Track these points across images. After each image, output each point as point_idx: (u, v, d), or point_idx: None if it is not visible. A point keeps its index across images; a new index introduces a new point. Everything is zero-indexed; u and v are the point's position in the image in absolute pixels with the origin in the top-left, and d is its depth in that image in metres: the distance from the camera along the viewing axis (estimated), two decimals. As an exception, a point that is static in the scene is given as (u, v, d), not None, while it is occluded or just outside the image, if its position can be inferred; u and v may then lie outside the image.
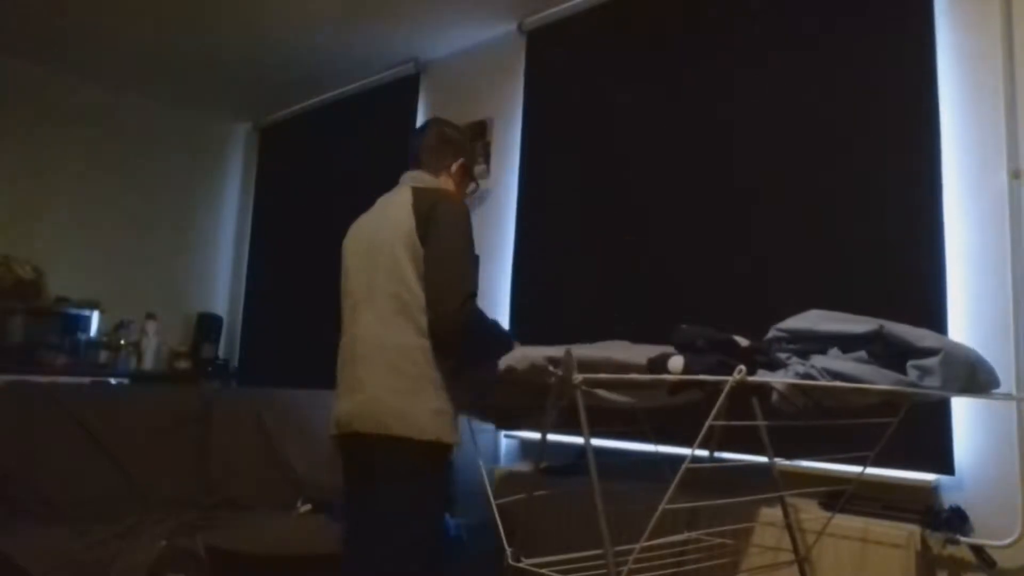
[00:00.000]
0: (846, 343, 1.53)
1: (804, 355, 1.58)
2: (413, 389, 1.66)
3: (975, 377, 1.49)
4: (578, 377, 1.56)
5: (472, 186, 2.04)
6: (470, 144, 2.03)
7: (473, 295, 1.66)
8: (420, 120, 3.65)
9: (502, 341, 1.73)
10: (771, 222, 2.32)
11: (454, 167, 1.92)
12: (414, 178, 1.87)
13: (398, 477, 1.68)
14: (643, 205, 2.67)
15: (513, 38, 3.25)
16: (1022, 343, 1.85)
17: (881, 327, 1.49)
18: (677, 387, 1.64)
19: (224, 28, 3.44)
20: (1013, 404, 1.83)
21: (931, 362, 1.40)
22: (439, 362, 1.70)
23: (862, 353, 1.50)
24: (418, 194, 1.76)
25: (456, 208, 1.74)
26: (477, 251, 3.20)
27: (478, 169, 2.08)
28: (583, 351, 1.54)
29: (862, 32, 2.20)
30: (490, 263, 3.18)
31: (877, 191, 2.11)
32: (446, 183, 1.90)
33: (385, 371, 1.69)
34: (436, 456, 1.69)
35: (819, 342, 1.59)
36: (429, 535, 1.68)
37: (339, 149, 4.06)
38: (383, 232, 1.76)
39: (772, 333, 1.70)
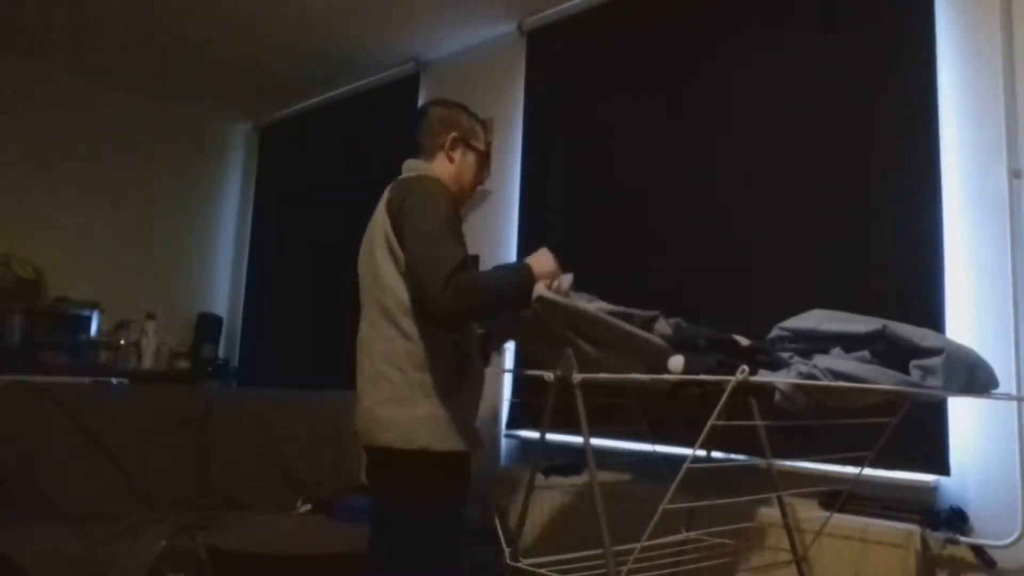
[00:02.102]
0: (849, 343, 1.54)
1: (806, 354, 1.58)
2: (400, 396, 1.57)
3: (975, 377, 1.50)
4: (577, 377, 1.56)
5: (475, 164, 1.83)
6: (467, 116, 1.85)
7: (457, 268, 1.49)
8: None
9: (509, 284, 1.58)
10: (771, 222, 2.32)
11: (447, 143, 1.78)
12: (406, 168, 1.79)
13: (394, 491, 1.60)
14: (643, 204, 2.67)
15: (513, 38, 3.25)
16: (1022, 343, 1.85)
17: (884, 327, 1.49)
18: (678, 386, 1.64)
19: (224, 28, 3.44)
20: (1013, 404, 1.83)
21: (934, 362, 1.40)
22: (433, 364, 1.58)
23: (864, 353, 1.50)
24: (394, 188, 1.68)
25: (423, 189, 1.62)
26: (478, 250, 3.20)
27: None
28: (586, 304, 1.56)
29: (862, 32, 2.20)
30: (492, 263, 3.18)
31: (877, 191, 2.11)
32: (442, 166, 1.77)
33: (372, 380, 1.61)
34: (432, 467, 1.56)
35: (821, 341, 1.59)
36: (433, 561, 1.56)
37: (339, 149, 4.06)
38: (370, 233, 1.71)
39: (775, 332, 1.70)
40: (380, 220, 1.65)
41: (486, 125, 1.91)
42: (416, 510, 1.58)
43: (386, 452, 1.57)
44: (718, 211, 2.46)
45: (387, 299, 1.60)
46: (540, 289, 1.58)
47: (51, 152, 3.97)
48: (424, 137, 1.79)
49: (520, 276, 1.60)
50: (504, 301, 1.58)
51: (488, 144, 1.88)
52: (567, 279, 1.69)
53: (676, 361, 1.64)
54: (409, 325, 1.58)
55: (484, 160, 1.86)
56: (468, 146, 1.81)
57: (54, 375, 3.35)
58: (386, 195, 1.68)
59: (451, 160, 1.78)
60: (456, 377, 1.61)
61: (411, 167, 1.78)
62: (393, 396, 1.57)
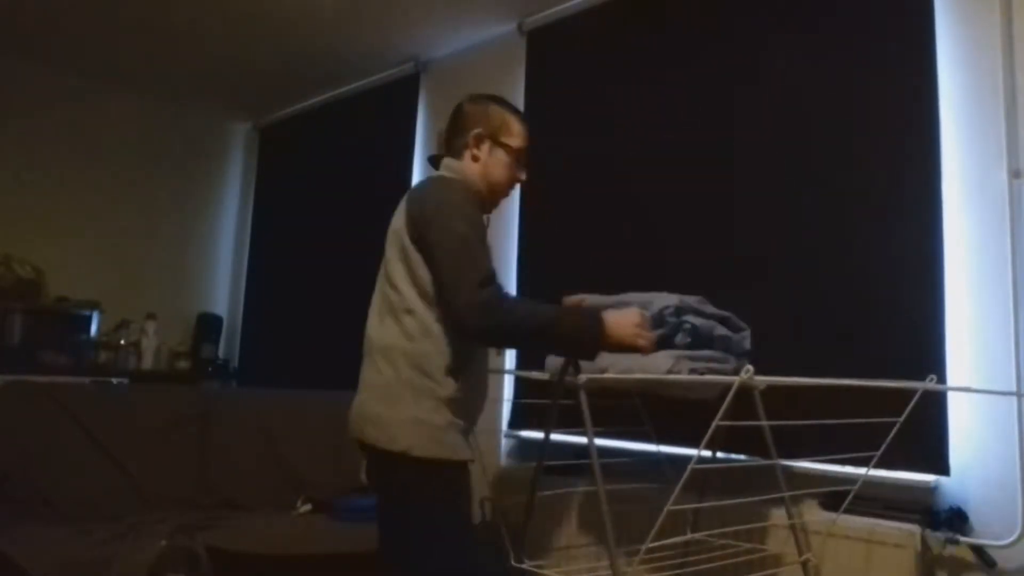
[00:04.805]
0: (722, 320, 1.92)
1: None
2: (390, 394, 1.54)
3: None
4: (582, 378, 1.56)
5: (507, 161, 1.72)
6: (499, 109, 1.74)
7: (488, 278, 1.47)
8: (420, 120, 3.65)
9: (538, 318, 1.51)
10: (770, 221, 2.32)
11: (470, 140, 1.69)
12: (441, 167, 1.72)
13: (387, 491, 1.58)
14: (644, 204, 2.67)
15: (513, 38, 3.25)
16: (1022, 342, 1.85)
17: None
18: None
19: (224, 28, 3.44)
20: (1013, 404, 1.83)
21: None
22: (428, 367, 1.53)
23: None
24: (416, 188, 1.65)
25: (442, 195, 1.58)
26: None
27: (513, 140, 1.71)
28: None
29: (862, 32, 2.20)
30: (494, 263, 3.18)
31: (877, 191, 2.11)
32: (468, 165, 1.69)
33: (369, 373, 1.60)
34: (417, 471, 1.50)
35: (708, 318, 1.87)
36: (448, 562, 1.51)
37: (339, 149, 4.06)
38: (391, 229, 1.67)
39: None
40: (399, 220, 1.63)
41: (518, 116, 1.77)
42: (411, 512, 1.53)
43: (375, 448, 1.54)
44: (718, 211, 2.46)
45: (393, 296, 1.59)
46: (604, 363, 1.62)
47: (51, 152, 3.97)
48: (453, 135, 1.73)
49: (581, 325, 1.53)
50: (541, 338, 1.52)
51: (524, 138, 1.76)
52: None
53: (664, 362, 1.65)
54: (412, 324, 1.55)
55: (517, 156, 1.74)
56: (496, 142, 1.71)
57: (54, 375, 3.34)
58: (409, 193, 1.66)
59: (475, 159, 1.70)
60: (452, 382, 1.55)
61: (444, 166, 1.72)
62: (385, 393, 1.55)
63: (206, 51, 3.70)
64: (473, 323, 1.46)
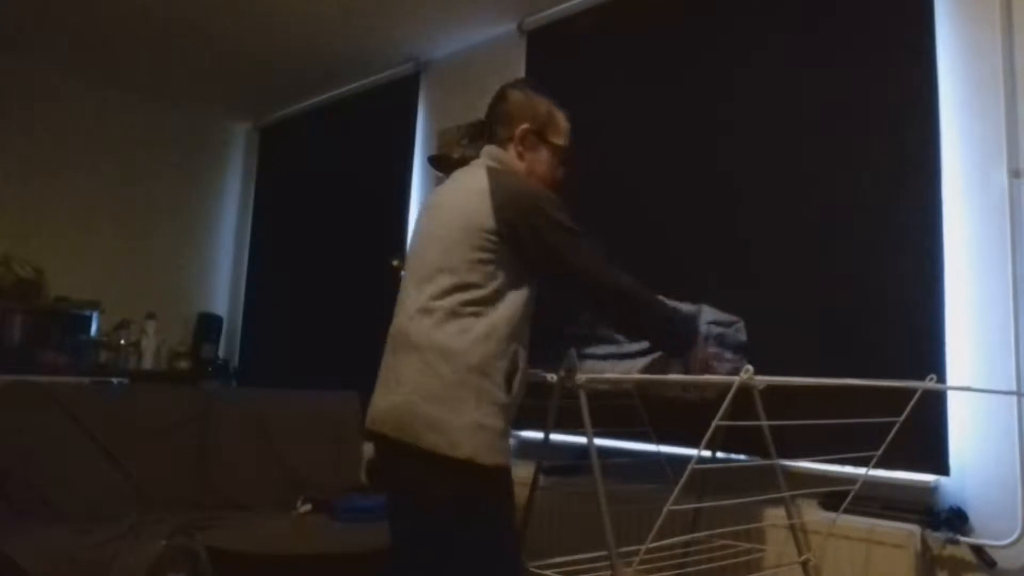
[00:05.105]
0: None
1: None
2: (451, 397, 1.42)
3: None
4: (581, 378, 1.56)
5: (551, 160, 1.67)
6: (546, 104, 1.67)
7: (616, 282, 1.59)
8: (420, 120, 3.65)
9: (665, 308, 1.69)
10: (770, 222, 2.32)
11: (517, 135, 1.63)
12: (487, 155, 1.64)
13: (434, 500, 1.44)
14: (644, 204, 2.67)
15: (513, 38, 3.25)
16: (1022, 342, 1.85)
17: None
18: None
19: (224, 28, 3.44)
20: (1013, 404, 1.83)
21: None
22: (492, 372, 1.45)
23: None
24: (491, 177, 1.53)
25: (537, 191, 1.54)
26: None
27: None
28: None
29: (862, 32, 2.20)
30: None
31: (877, 191, 2.11)
32: (515, 161, 1.63)
33: (415, 372, 1.45)
34: (476, 479, 1.41)
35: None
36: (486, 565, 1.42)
37: (339, 149, 4.06)
38: (446, 215, 1.55)
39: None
40: (470, 205, 1.50)
41: (566, 116, 1.72)
42: (465, 526, 1.43)
43: (433, 454, 1.40)
44: (718, 210, 2.46)
45: (456, 293, 1.47)
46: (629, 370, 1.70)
47: (51, 152, 3.97)
48: (498, 125, 1.66)
49: (677, 324, 1.71)
50: (663, 326, 1.67)
51: (569, 135, 1.70)
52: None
53: (638, 364, 1.68)
54: (476, 324, 1.45)
55: (561, 155, 1.68)
56: (542, 139, 1.66)
57: (54, 375, 3.35)
58: (482, 181, 1.53)
59: (520, 156, 1.64)
60: (509, 386, 1.48)
61: (496, 157, 1.63)
62: (442, 395, 1.42)
63: (206, 51, 3.70)
64: (616, 307, 1.59)
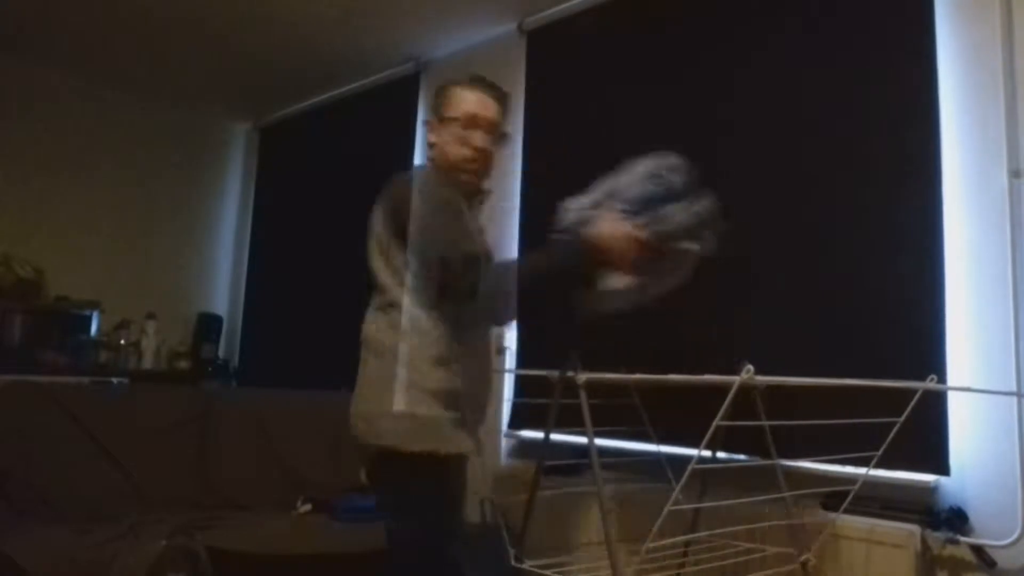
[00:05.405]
0: None
1: None
2: (378, 389, 1.54)
3: None
4: (582, 376, 1.56)
5: (455, 134, 1.68)
6: (439, 88, 1.78)
7: (463, 258, 1.53)
8: (420, 120, 3.65)
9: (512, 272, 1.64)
10: (770, 222, 2.32)
11: (425, 129, 1.78)
12: None
13: (381, 486, 1.61)
14: (643, 205, 2.67)
15: (513, 38, 3.25)
16: (1022, 342, 1.85)
17: None
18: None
19: (224, 28, 3.44)
20: (1013, 404, 1.83)
21: None
22: (416, 361, 1.53)
23: None
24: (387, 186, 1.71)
25: (409, 190, 1.63)
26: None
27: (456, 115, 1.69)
28: None
29: (862, 32, 2.20)
30: (491, 246, 3.18)
31: (877, 191, 2.11)
32: (433, 153, 1.74)
33: (360, 368, 1.60)
34: (401, 465, 1.49)
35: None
36: (410, 550, 1.54)
37: (339, 149, 4.06)
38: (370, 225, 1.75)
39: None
40: (376, 215, 1.68)
41: (464, 84, 1.76)
42: (397, 506, 1.57)
43: (366, 445, 1.55)
44: (718, 210, 2.45)
45: (377, 291, 1.63)
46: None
47: (51, 152, 3.97)
48: None
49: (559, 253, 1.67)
50: (532, 288, 1.58)
51: (470, 102, 1.72)
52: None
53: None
54: (396, 317, 1.57)
55: (465, 124, 1.69)
56: (440, 120, 1.71)
57: (54, 375, 3.34)
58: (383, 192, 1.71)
59: (431, 145, 1.73)
60: (442, 373, 1.55)
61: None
62: (373, 388, 1.56)
63: (206, 51, 3.70)
64: (463, 302, 1.52)
